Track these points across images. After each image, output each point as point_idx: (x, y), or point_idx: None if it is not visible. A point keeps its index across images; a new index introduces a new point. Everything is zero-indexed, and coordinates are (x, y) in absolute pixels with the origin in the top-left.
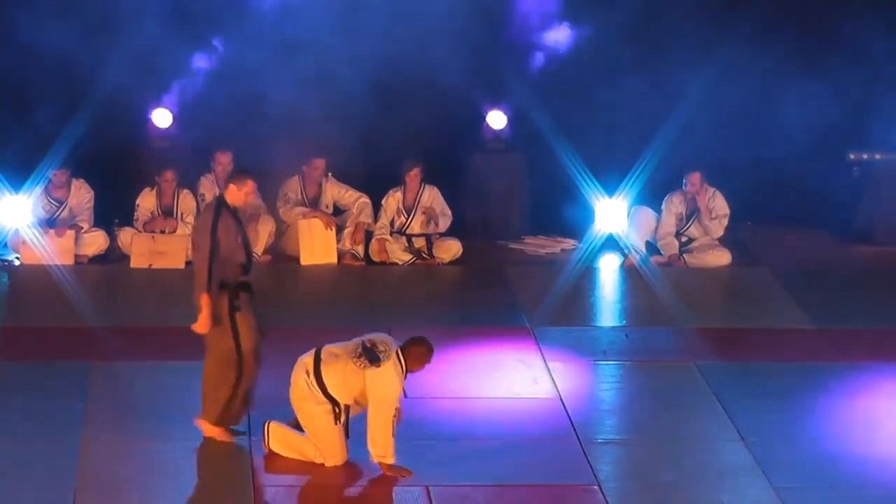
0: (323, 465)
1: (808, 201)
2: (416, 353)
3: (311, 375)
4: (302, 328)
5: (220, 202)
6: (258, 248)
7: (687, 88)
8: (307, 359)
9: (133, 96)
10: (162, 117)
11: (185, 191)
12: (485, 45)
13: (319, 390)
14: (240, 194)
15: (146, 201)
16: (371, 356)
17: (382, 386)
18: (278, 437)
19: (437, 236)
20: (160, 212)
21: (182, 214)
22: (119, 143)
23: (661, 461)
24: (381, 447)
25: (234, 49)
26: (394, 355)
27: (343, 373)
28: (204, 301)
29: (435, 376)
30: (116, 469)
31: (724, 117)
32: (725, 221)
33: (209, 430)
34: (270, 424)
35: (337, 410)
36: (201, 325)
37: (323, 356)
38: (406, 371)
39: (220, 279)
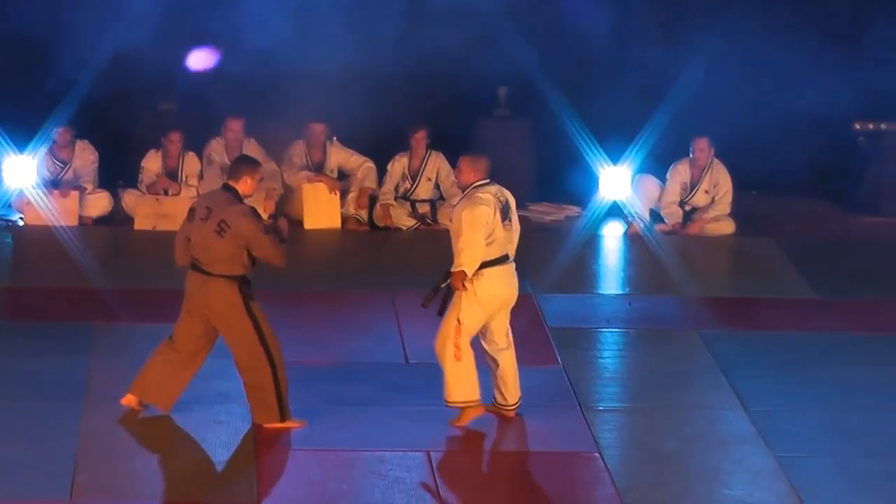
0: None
1: (813, 171)
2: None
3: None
4: (304, 293)
5: (240, 197)
6: (264, 214)
7: (693, 56)
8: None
9: (140, 57)
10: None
11: (191, 153)
12: (491, 11)
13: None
14: (253, 185)
15: (151, 163)
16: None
17: None
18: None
19: (442, 202)
20: (165, 174)
21: (186, 177)
22: (125, 103)
23: (663, 429)
24: None
25: (241, 11)
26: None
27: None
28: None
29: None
30: (119, 431)
31: (730, 86)
32: (729, 197)
33: (279, 426)
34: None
35: None
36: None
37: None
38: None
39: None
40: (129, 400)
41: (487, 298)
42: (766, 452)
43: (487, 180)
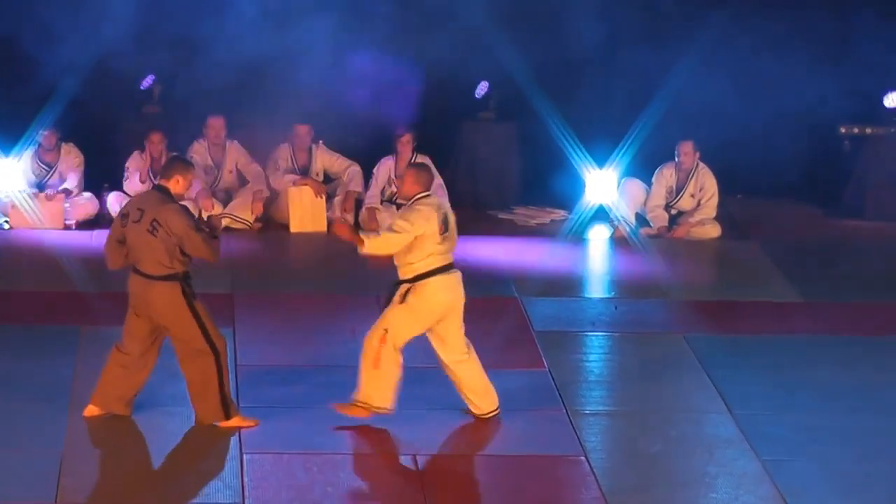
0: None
1: (798, 175)
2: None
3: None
4: (290, 295)
5: (171, 196)
6: (251, 216)
7: (678, 60)
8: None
9: (125, 59)
10: None
11: (174, 154)
12: (476, 15)
13: None
14: (185, 184)
15: (135, 164)
16: None
17: None
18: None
19: None
20: (150, 175)
21: None
22: (110, 106)
23: (649, 433)
24: None
25: (226, 15)
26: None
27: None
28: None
29: (423, 345)
30: (104, 434)
31: (716, 90)
32: (714, 201)
33: (228, 424)
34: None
35: None
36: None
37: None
38: None
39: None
40: (90, 411)
41: (434, 306)
42: (751, 455)
43: (429, 192)
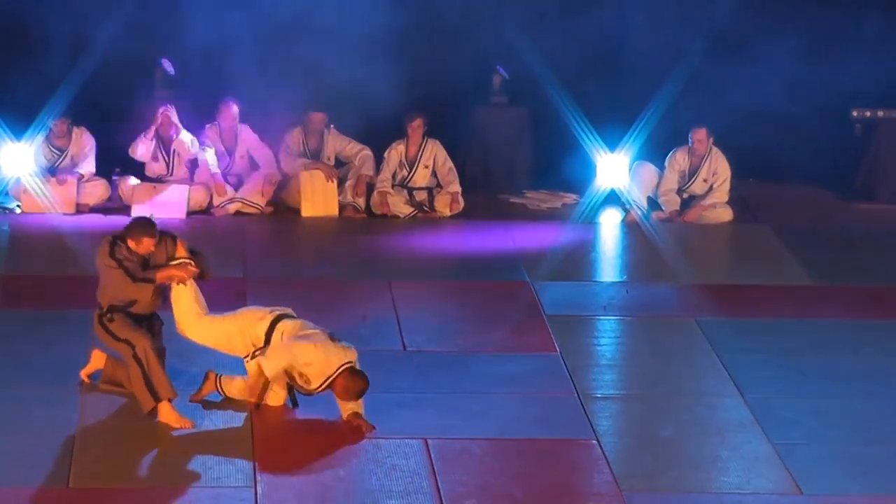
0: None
1: (810, 158)
2: (346, 385)
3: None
4: (301, 280)
5: (120, 245)
6: (262, 200)
7: (690, 43)
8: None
9: (137, 44)
10: None
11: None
12: None
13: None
14: (139, 248)
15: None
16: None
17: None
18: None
19: (440, 190)
20: (160, 149)
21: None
22: (122, 91)
23: (660, 417)
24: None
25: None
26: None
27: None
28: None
29: (435, 329)
30: (116, 417)
31: (728, 73)
32: (727, 185)
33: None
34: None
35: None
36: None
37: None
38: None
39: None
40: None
41: None
42: (764, 439)
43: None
